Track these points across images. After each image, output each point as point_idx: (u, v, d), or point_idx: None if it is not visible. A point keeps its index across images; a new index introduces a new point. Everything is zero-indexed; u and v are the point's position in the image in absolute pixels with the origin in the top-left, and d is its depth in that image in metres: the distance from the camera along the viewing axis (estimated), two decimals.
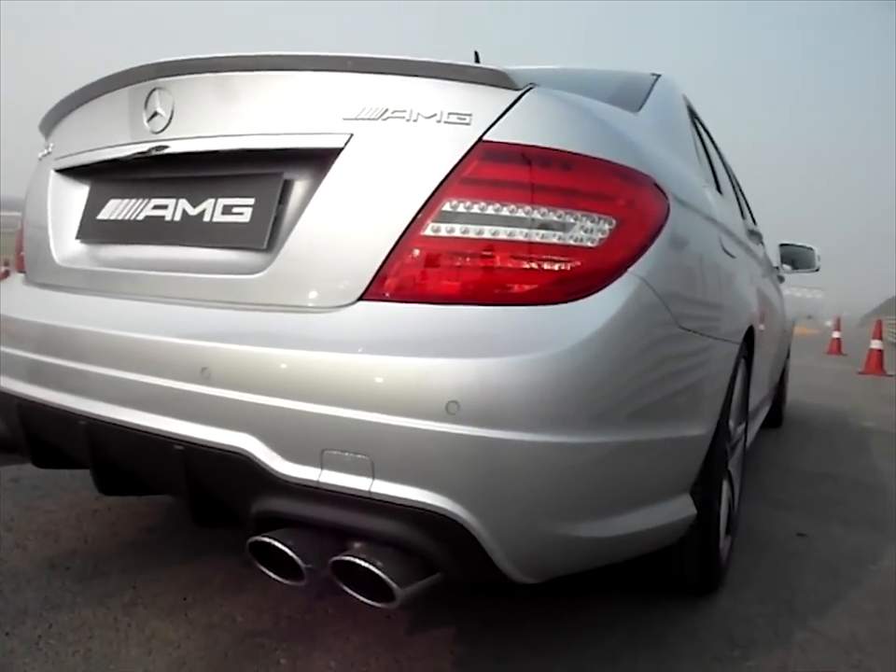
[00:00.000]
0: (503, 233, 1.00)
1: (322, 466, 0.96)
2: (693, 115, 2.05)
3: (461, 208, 1.01)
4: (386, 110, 1.05)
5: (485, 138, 1.02)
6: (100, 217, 1.39)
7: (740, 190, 3.07)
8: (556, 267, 1.01)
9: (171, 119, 1.22)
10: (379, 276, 1.02)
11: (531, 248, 1.00)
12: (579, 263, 1.02)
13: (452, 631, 1.40)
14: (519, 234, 1.00)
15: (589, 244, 1.03)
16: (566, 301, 1.00)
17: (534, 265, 1.00)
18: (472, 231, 1.01)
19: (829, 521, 2.42)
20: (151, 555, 1.66)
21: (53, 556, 1.62)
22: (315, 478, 0.96)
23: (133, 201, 1.34)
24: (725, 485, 1.66)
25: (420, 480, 0.93)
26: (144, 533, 1.80)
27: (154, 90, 1.24)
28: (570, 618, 1.49)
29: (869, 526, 2.40)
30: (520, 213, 1.01)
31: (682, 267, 1.22)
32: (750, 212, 3.25)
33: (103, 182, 1.42)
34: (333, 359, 0.96)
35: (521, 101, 1.03)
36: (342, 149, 1.06)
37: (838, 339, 14.12)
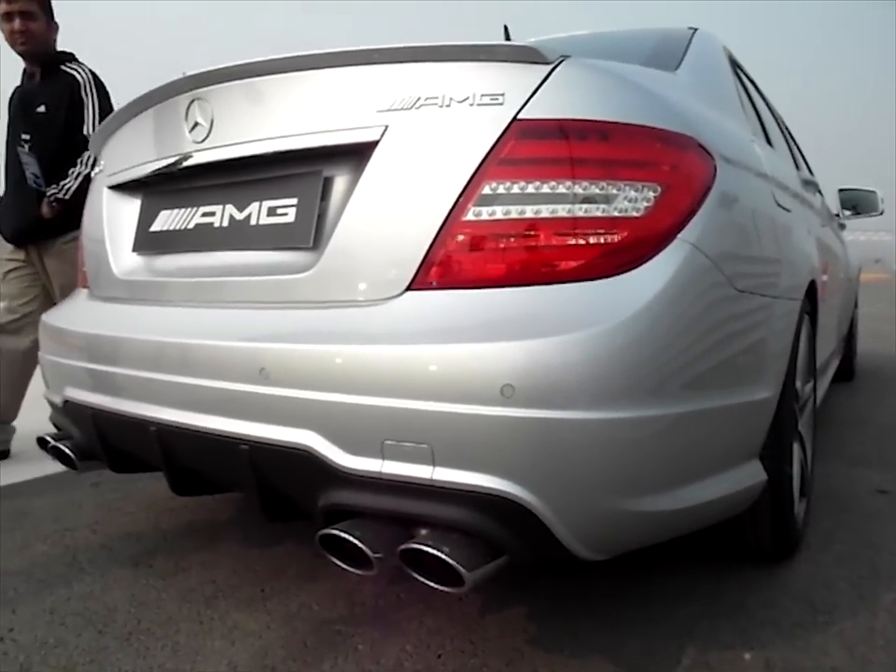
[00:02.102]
0: (546, 211, 0.99)
1: (383, 457, 0.97)
2: (735, 66, 1.97)
3: (501, 190, 1.00)
4: (419, 98, 1.04)
5: (520, 116, 1.00)
6: (153, 228, 1.43)
7: (792, 140, 2.94)
8: (603, 240, 0.99)
9: (211, 127, 1.25)
10: (425, 265, 1.02)
11: (575, 224, 0.99)
12: (625, 234, 0.99)
13: (523, 611, 1.41)
14: (562, 211, 0.99)
15: (634, 213, 1.00)
16: (615, 274, 0.98)
17: (580, 240, 0.99)
18: (514, 212, 0.99)
19: None
20: (227, 550, 1.72)
21: (136, 555, 1.70)
22: (377, 469, 0.98)
23: (183, 210, 1.38)
24: (796, 447, 1.61)
25: (479, 464, 0.93)
26: (218, 528, 1.86)
27: (193, 101, 1.27)
28: (642, 591, 1.48)
29: None
30: (561, 189, 0.99)
31: (734, 227, 1.17)
32: (805, 161, 3.12)
33: (153, 195, 1.47)
34: (386, 352, 0.96)
35: (553, 74, 1.01)
36: (378, 142, 1.06)
37: None
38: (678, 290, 1.00)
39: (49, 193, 2.47)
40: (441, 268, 1.01)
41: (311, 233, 1.14)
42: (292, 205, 1.18)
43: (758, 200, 1.31)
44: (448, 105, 1.03)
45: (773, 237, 1.36)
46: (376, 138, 1.06)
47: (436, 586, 0.98)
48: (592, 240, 0.99)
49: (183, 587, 1.53)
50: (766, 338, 1.29)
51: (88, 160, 2.47)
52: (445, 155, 1.03)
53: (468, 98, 1.02)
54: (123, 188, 1.53)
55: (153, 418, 1.21)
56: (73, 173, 2.48)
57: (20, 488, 2.25)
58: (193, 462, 1.28)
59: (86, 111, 2.53)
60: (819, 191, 3.01)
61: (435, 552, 0.94)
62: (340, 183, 1.14)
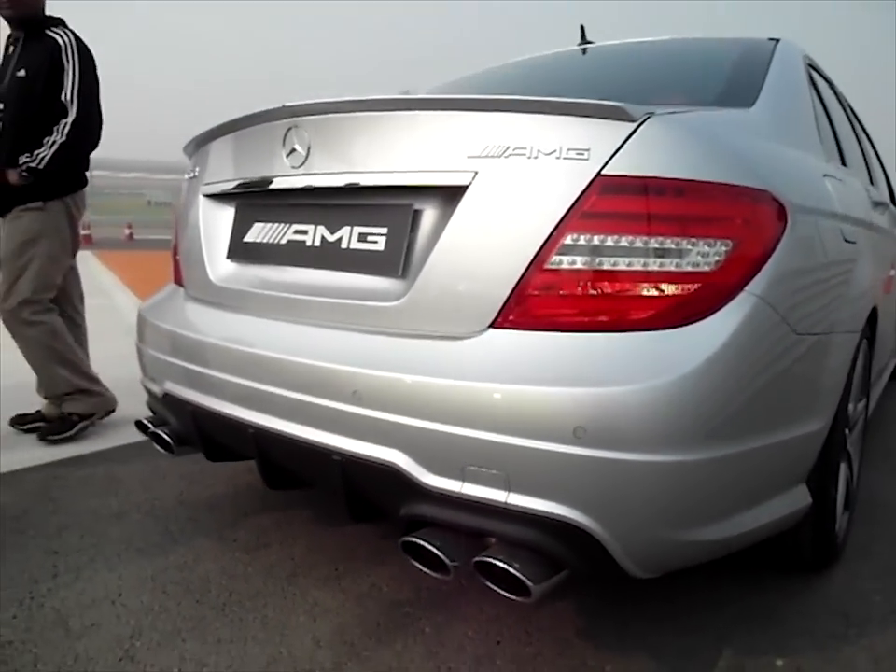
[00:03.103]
0: (622, 264, 1.07)
1: (464, 479, 1.09)
2: (813, 81, 1.97)
3: (582, 241, 1.08)
4: (508, 147, 1.13)
5: (603, 172, 1.07)
6: (247, 239, 1.56)
7: (871, 146, 2.91)
8: (674, 293, 1.07)
9: (308, 155, 1.35)
10: (507, 306, 1.11)
11: (649, 277, 1.07)
12: (696, 287, 1.07)
13: (574, 606, 1.54)
14: (637, 264, 1.07)
15: (706, 268, 1.08)
16: (683, 325, 1.06)
17: (652, 292, 1.07)
18: (593, 263, 1.08)
19: None
20: (301, 528, 1.89)
21: (221, 528, 1.89)
22: (457, 489, 1.10)
23: (276, 225, 1.49)
24: (843, 467, 1.68)
25: (551, 493, 1.04)
26: (291, 505, 2.03)
27: (290, 128, 1.37)
28: (687, 597, 1.58)
29: None
30: (638, 243, 1.07)
31: (800, 275, 1.23)
32: (882, 165, 3.08)
33: (246, 207, 1.58)
34: (470, 387, 1.07)
35: (637, 133, 1.08)
36: (468, 186, 1.15)
37: None
38: (741, 341, 1.08)
39: (21, 161, 2.37)
40: (522, 309, 1.11)
41: (400, 263, 1.24)
42: (382, 234, 1.29)
43: (825, 243, 1.36)
44: (536, 157, 1.11)
45: (837, 277, 1.41)
46: (466, 182, 1.15)
47: (505, 594, 1.11)
48: (664, 292, 1.07)
49: (266, 563, 1.70)
50: (823, 374, 1.36)
51: (64, 128, 2.39)
52: (531, 204, 1.11)
53: (554, 151, 1.10)
54: (219, 196, 1.65)
55: (251, 422, 1.35)
56: (48, 142, 2.38)
57: (107, 455, 2.46)
58: (286, 463, 1.43)
59: (65, 77, 2.42)
60: (893, 198, 2.98)
61: (506, 566, 1.06)
62: (428, 217, 1.23)
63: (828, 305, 1.36)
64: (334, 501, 1.35)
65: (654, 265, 1.07)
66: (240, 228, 1.59)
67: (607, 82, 2.01)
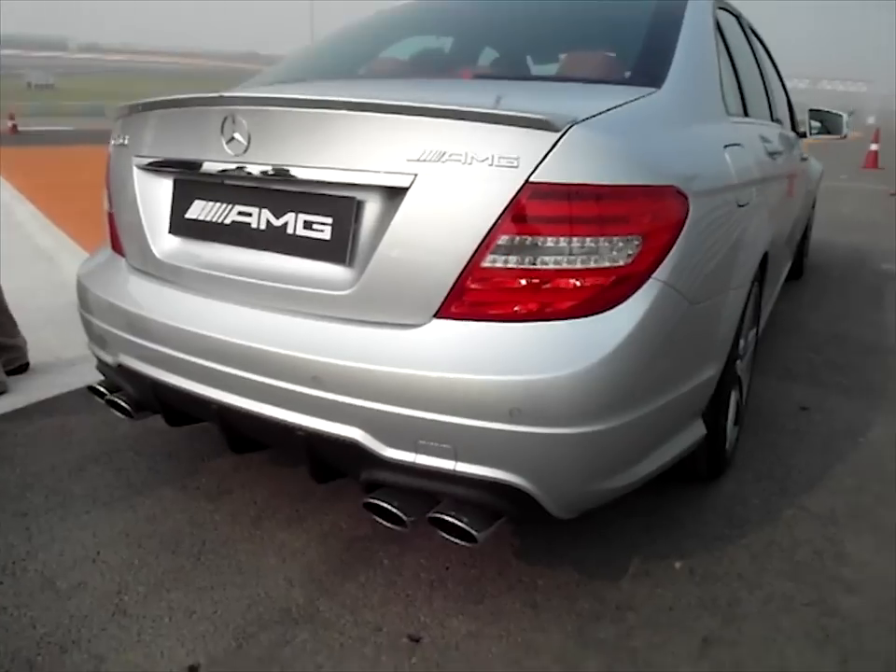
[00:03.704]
0: (549, 261, 1.21)
1: (417, 451, 1.26)
2: (721, 30, 2.08)
3: (513, 241, 1.21)
4: (445, 153, 1.22)
5: (531, 180, 1.19)
6: (188, 215, 1.59)
7: (777, 74, 3.10)
8: (592, 284, 1.23)
9: (248, 145, 1.39)
10: (448, 299, 1.25)
11: (571, 272, 1.22)
12: (612, 279, 1.23)
13: (510, 530, 1.79)
14: (561, 261, 1.21)
15: (620, 262, 1.23)
16: (599, 313, 1.23)
17: (574, 285, 1.22)
18: (523, 261, 1.22)
19: (830, 391, 2.75)
20: (259, 471, 2.05)
21: (182, 477, 2.02)
22: (411, 460, 1.27)
23: (218, 204, 1.54)
24: (733, 394, 1.95)
25: (492, 461, 1.23)
26: None
27: (227, 117, 1.39)
28: (600, 512, 1.84)
29: (865, 394, 2.72)
30: (562, 243, 1.21)
31: (697, 254, 1.40)
32: (786, 90, 3.28)
33: (185, 182, 1.60)
34: (419, 374, 1.22)
35: (560, 142, 1.19)
36: (408, 188, 1.24)
37: (875, 151, 13.96)
38: (647, 324, 1.26)
39: None
40: (462, 302, 1.25)
41: (346, 253, 1.34)
42: (328, 224, 1.37)
43: (720, 217, 1.53)
44: (471, 164, 1.21)
45: (728, 244, 1.60)
46: (407, 185, 1.24)
47: (455, 540, 1.32)
48: (584, 285, 1.22)
49: (231, 509, 1.86)
50: (717, 330, 1.58)
51: None
52: (468, 206, 1.22)
53: (488, 158, 1.20)
54: (153, 166, 1.65)
55: (214, 398, 1.46)
56: None
57: (51, 405, 2.48)
58: (250, 434, 1.56)
59: None
60: (794, 120, 3.20)
61: (456, 521, 1.27)
62: (371, 211, 1.32)
63: (720, 272, 1.56)
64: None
65: (576, 262, 1.22)
66: (180, 203, 1.61)
67: (520, 38, 2.08)
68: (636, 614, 1.51)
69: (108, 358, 1.74)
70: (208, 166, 1.49)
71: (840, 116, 3.58)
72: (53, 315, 3.34)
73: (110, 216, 1.84)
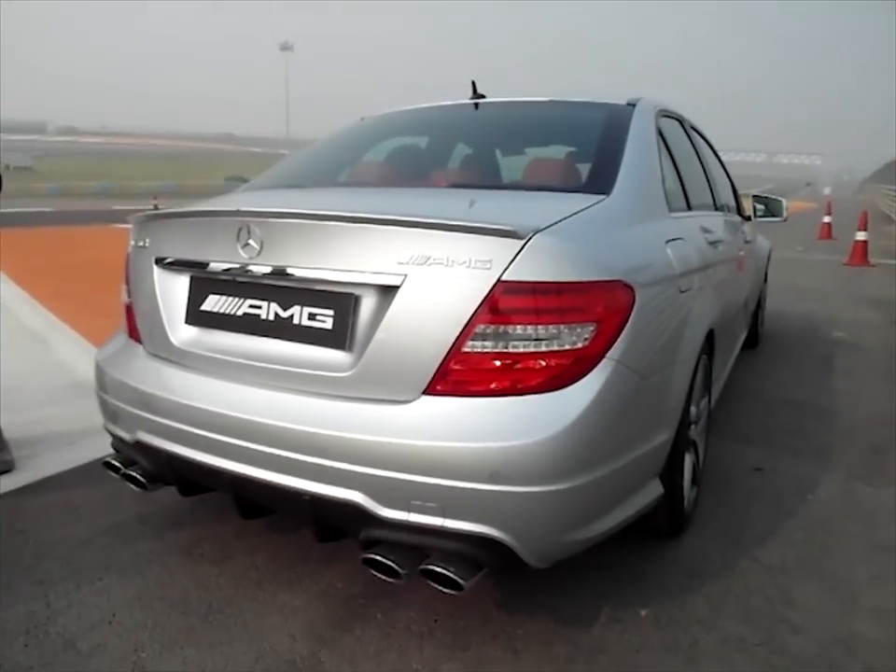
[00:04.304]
0: (519, 345, 1.46)
1: (410, 510, 1.46)
2: (662, 135, 2.42)
3: (489, 330, 1.46)
4: (430, 258, 1.47)
5: (503, 279, 1.44)
6: (203, 308, 1.83)
7: (720, 163, 3.50)
8: (555, 364, 1.47)
9: (261, 250, 1.64)
10: (436, 378, 1.48)
11: (537, 354, 1.46)
12: (573, 359, 1.48)
13: (491, 583, 1.96)
14: (530, 345, 1.46)
15: (578, 345, 1.48)
16: (562, 388, 1.47)
17: (541, 365, 1.46)
18: (497, 345, 1.46)
19: (783, 452, 2.99)
20: (258, 538, 2.20)
21: (186, 545, 2.17)
22: (405, 518, 1.47)
23: (231, 298, 1.77)
24: (688, 457, 2.18)
25: (475, 517, 1.43)
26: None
27: (241, 227, 1.65)
28: (574, 563, 2.04)
29: (815, 456, 2.97)
30: (529, 330, 1.46)
31: (645, 335, 1.66)
32: (729, 177, 3.69)
33: (201, 279, 1.84)
34: (411, 444, 1.44)
35: (525, 248, 1.45)
36: (399, 286, 1.49)
37: (829, 223, 14.81)
38: (604, 396, 1.50)
39: None
40: (447, 381, 1.48)
41: (346, 340, 1.57)
42: (330, 315, 1.61)
43: (663, 303, 1.80)
44: (451, 266, 1.46)
45: (673, 325, 1.86)
46: (398, 283, 1.49)
47: (444, 590, 1.50)
48: (549, 365, 1.47)
49: (234, 573, 2.01)
50: (667, 398, 1.83)
51: None
52: (450, 301, 1.47)
53: (466, 262, 1.46)
54: (171, 266, 1.89)
55: (228, 469, 1.65)
56: None
57: (55, 482, 2.62)
58: (260, 501, 1.74)
59: None
60: (739, 206, 3.58)
61: (445, 571, 1.45)
62: (368, 304, 1.56)
63: (667, 349, 1.82)
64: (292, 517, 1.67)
65: (542, 345, 1.46)
66: (196, 297, 1.85)
67: (493, 142, 2.42)
68: (607, 656, 1.68)
69: (126, 435, 1.92)
70: (223, 266, 1.73)
71: (780, 201, 3.98)
72: (56, 392, 3.50)
73: (128, 307, 2.06)
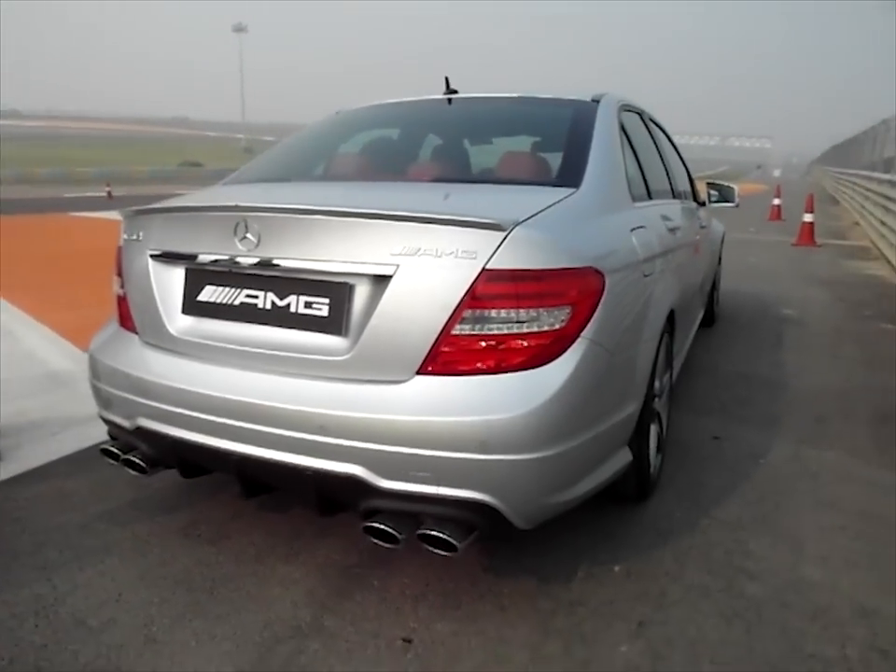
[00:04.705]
0: (502, 328, 1.60)
1: (407, 480, 1.60)
2: (625, 130, 2.57)
3: (475, 314, 1.59)
4: (420, 249, 1.60)
5: (487, 267, 1.58)
6: (200, 298, 1.91)
7: (678, 154, 3.69)
8: (535, 344, 1.62)
9: (258, 243, 1.73)
10: (427, 359, 1.61)
11: (519, 335, 1.60)
12: (551, 339, 1.63)
13: (477, 548, 2.12)
14: (512, 327, 1.60)
15: (556, 326, 1.63)
16: (541, 366, 1.62)
17: (523, 345, 1.61)
18: (483, 329, 1.60)
19: (737, 422, 3.21)
20: (252, 517, 2.31)
21: (183, 527, 2.26)
22: (403, 488, 1.60)
23: (227, 289, 1.87)
24: (653, 427, 2.36)
25: (467, 484, 1.58)
26: (236, 498, 2.42)
27: (239, 222, 1.74)
28: (551, 526, 2.21)
29: (765, 424, 3.20)
30: (511, 314, 1.60)
31: (614, 316, 1.81)
32: (686, 168, 3.88)
33: (196, 271, 1.93)
34: (407, 419, 1.57)
35: (507, 238, 1.59)
36: (392, 276, 1.62)
37: (779, 205, 15.34)
38: (579, 372, 1.65)
39: None
40: (437, 361, 1.61)
41: (342, 326, 1.69)
42: (325, 304, 1.72)
43: (629, 286, 1.96)
44: (440, 256, 1.59)
45: (638, 306, 2.03)
46: (391, 273, 1.62)
47: (438, 552, 1.64)
48: (529, 345, 1.61)
49: (233, 551, 2.12)
50: (634, 373, 1.99)
51: None
52: (439, 288, 1.60)
53: (453, 252, 1.59)
54: (166, 258, 1.97)
55: (234, 451, 1.76)
56: None
57: (45, 471, 2.67)
58: (265, 479, 1.85)
59: None
60: (690, 201, 3.77)
61: (441, 534, 1.60)
62: (362, 293, 1.68)
63: (634, 328, 1.98)
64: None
65: (523, 327, 1.60)
66: (192, 288, 1.93)
67: (471, 138, 2.54)
68: (584, 608, 1.85)
69: (125, 423, 2.00)
70: (220, 258, 1.82)
71: (732, 188, 4.23)
72: (34, 382, 3.52)
73: (121, 298, 2.13)
